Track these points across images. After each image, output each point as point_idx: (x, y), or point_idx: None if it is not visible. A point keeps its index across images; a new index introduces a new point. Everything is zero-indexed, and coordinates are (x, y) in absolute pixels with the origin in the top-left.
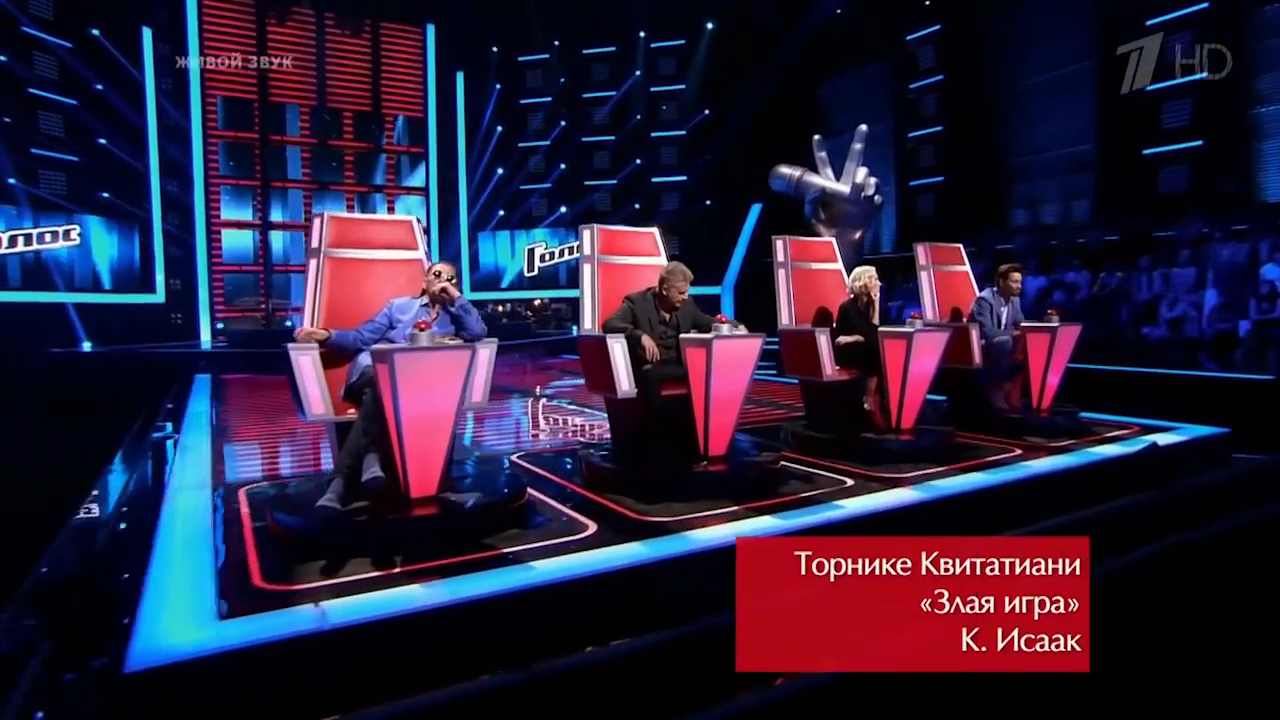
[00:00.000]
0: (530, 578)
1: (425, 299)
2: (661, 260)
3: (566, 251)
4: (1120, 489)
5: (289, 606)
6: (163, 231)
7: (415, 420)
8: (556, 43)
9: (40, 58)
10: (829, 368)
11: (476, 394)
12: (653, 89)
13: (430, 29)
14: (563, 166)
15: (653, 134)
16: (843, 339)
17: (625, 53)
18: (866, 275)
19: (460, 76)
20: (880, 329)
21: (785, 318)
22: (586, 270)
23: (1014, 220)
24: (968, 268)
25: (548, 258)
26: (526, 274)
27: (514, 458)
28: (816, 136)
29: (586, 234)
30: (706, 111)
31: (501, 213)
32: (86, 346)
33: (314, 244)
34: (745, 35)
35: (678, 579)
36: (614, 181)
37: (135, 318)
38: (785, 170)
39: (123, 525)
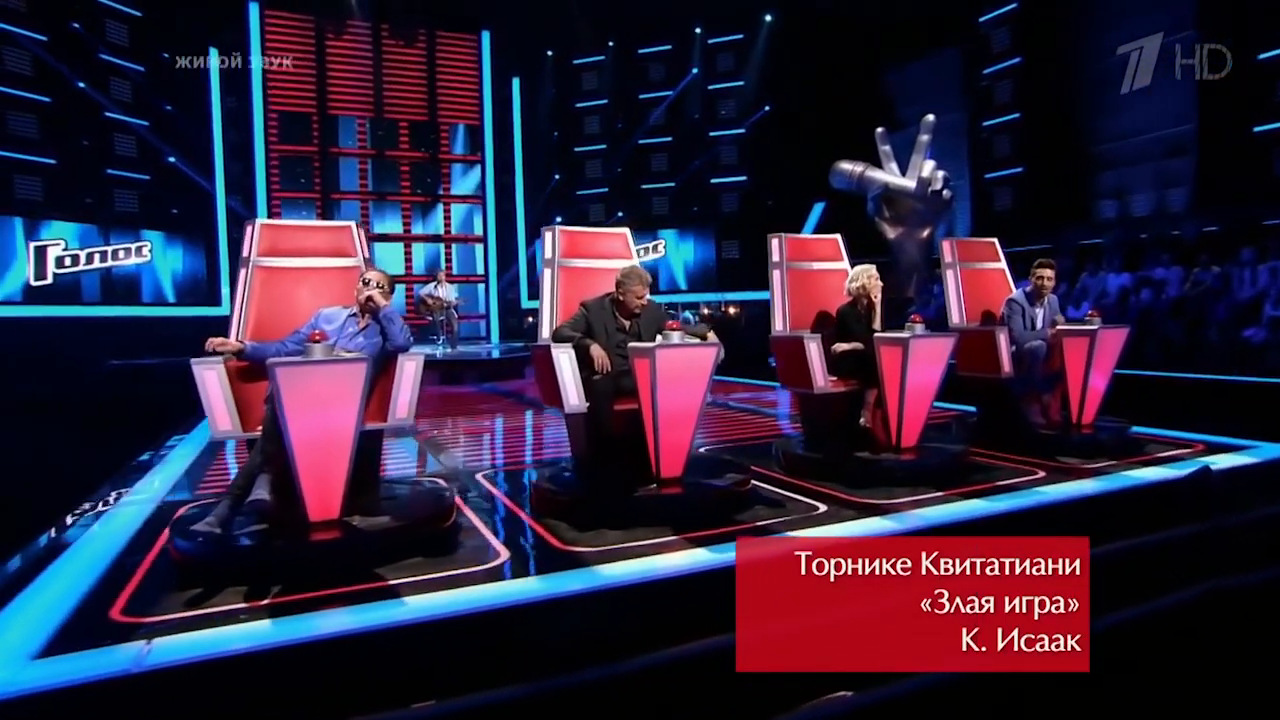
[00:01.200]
0: (391, 615)
1: (355, 308)
2: (633, 262)
3: None
4: (1153, 522)
5: (124, 642)
6: (227, 246)
7: (308, 439)
8: (611, 44)
9: (116, 82)
10: (820, 378)
11: (401, 411)
12: (710, 87)
13: (485, 36)
14: (619, 170)
15: (711, 133)
16: (839, 346)
17: (681, 50)
18: (866, 275)
19: (516, 82)
20: (876, 335)
21: (779, 323)
22: (547, 275)
23: (1100, 212)
24: (1003, 265)
25: None
26: None
27: (479, 476)
28: (879, 129)
29: (548, 235)
30: (766, 108)
31: (559, 219)
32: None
33: (244, 253)
34: (806, 26)
35: (555, 621)
36: (672, 184)
37: (202, 330)
38: (846, 166)
39: (42, 540)
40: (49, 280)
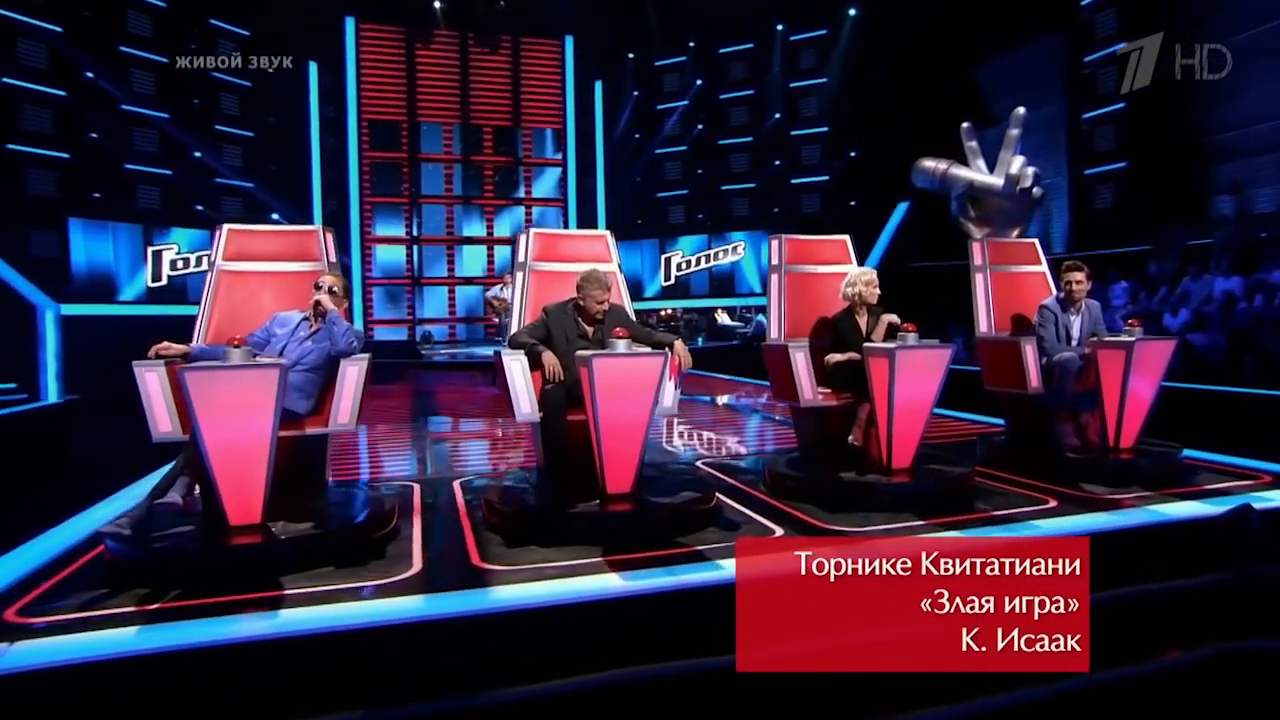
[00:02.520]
0: (257, 629)
1: (309, 312)
2: (611, 266)
3: (704, 259)
4: (1170, 566)
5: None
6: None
7: (223, 443)
8: (692, 44)
9: (225, 97)
10: (808, 390)
11: (342, 416)
12: (792, 85)
13: (569, 40)
14: (700, 171)
15: (792, 132)
16: (833, 357)
17: (762, 49)
18: (863, 280)
19: (599, 86)
20: (867, 345)
21: (774, 330)
22: (518, 278)
23: (1214, 209)
24: (1044, 268)
25: (684, 266)
26: (664, 283)
27: (457, 483)
28: (965, 125)
29: (522, 239)
30: (850, 105)
31: (640, 221)
32: None
33: (212, 257)
34: (892, 19)
35: (410, 645)
36: (752, 185)
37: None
38: (928, 164)
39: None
40: (164, 282)
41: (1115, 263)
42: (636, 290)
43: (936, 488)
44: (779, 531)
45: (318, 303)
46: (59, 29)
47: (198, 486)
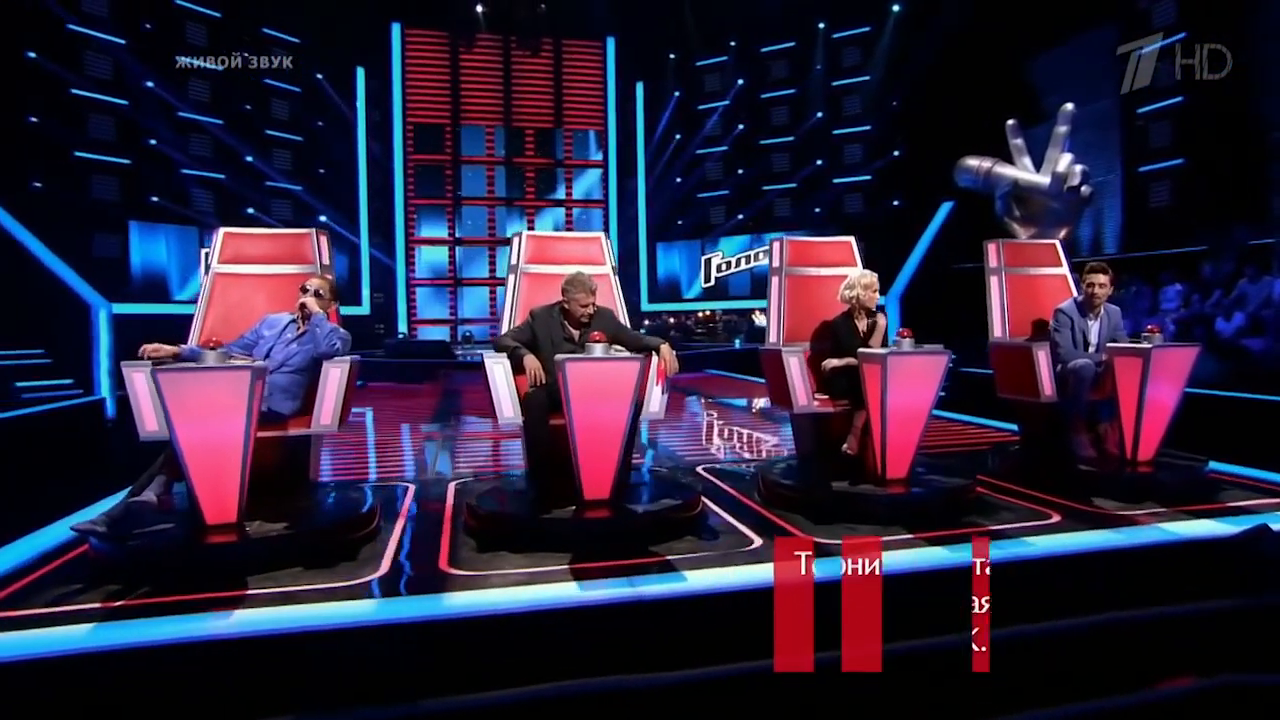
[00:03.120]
0: (207, 629)
1: (297, 314)
2: (605, 269)
3: (744, 260)
4: (1169, 590)
5: None
6: (369, 249)
7: (197, 444)
8: (733, 43)
9: (276, 104)
10: (802, 396)
11: (325, 417)
12: (834, 83)
13: (610, 42)
14: (740, 171)
15: (834, 132)
16: (830, 362)
17: (804, 47)
18: (861, 284)
19: (640, 87)
20: (861, 350)
21: (773, 334)
22: (510, 280)
23: (1278, 207)
24: (1064, 270)
25: (724, 267)
26: (704, 284)
27: (452, 484)
28: (1010, 122)
29: (516, 240)
30: (894, 103)
31: (680, 222)
32: None
33: (209, 260)
34: (938, 13)
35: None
36: (794, 185)
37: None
38: (972, 162)
39: None
40: None
41: (1170, 264)
42: (675, 292)
43: (932, 500)
44: (757, 543)
45: (303, 305)
46: (122, 41)
47: (176, 485)
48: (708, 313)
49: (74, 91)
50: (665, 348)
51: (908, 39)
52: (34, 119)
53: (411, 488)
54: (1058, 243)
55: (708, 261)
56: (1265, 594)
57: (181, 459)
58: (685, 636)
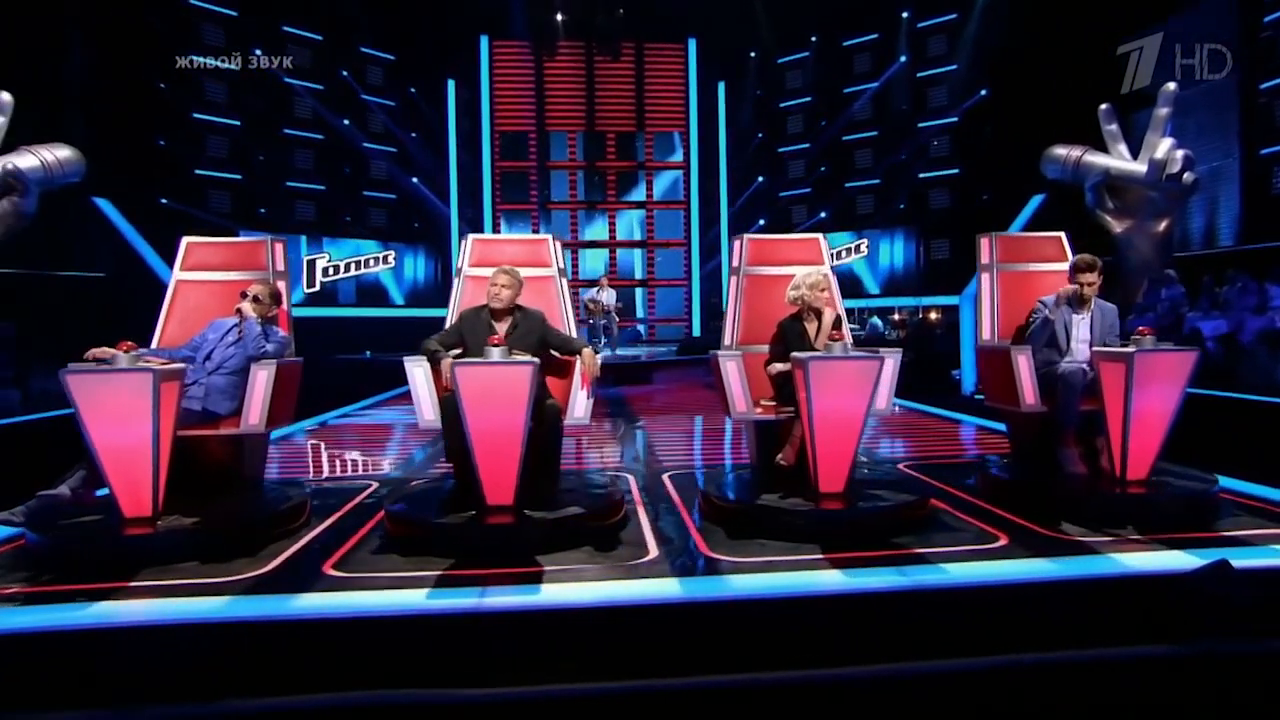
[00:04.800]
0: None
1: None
2: (550, 271)
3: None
4: (1115, 630)
5: None
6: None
7: (107, 442)
8: (814, 39)
9: (372, 117)
10: (740, 402)
11: (252, 418)
12: (919, 74)
13: (691, 43)
14: (823, 169)
15: (919, 124)
16: (774, 367)
17: (888, 38)
18: (807, 283)
19: (721, 87)
20: (793, 355)
21: (727, 336)
22: (455, 285)
23: None
24: (1067, 267)
25: None
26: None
27: (414, 483)
28: (1104, 106)
29: (464, 244)
30: (983, 92)
31: (762, 221)
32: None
33: (173, 269)
34: None
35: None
36: (877, 180)
37: (426, 330)
38: (1059, 151)
39: None
40: (317, 288)
41: None
42: None
43: (865, 517)
44: (654, 554)
45: (238, 310)
46: (235, 67)
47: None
48: None
49: (195, 115)
50: (586, 351)
51: (997, 23)
52: (162, 142)
53: (373, 486)
54: (1063, 236)
55: None
56: (1212, 640)
57: (94, 455)
58: (534, 649)
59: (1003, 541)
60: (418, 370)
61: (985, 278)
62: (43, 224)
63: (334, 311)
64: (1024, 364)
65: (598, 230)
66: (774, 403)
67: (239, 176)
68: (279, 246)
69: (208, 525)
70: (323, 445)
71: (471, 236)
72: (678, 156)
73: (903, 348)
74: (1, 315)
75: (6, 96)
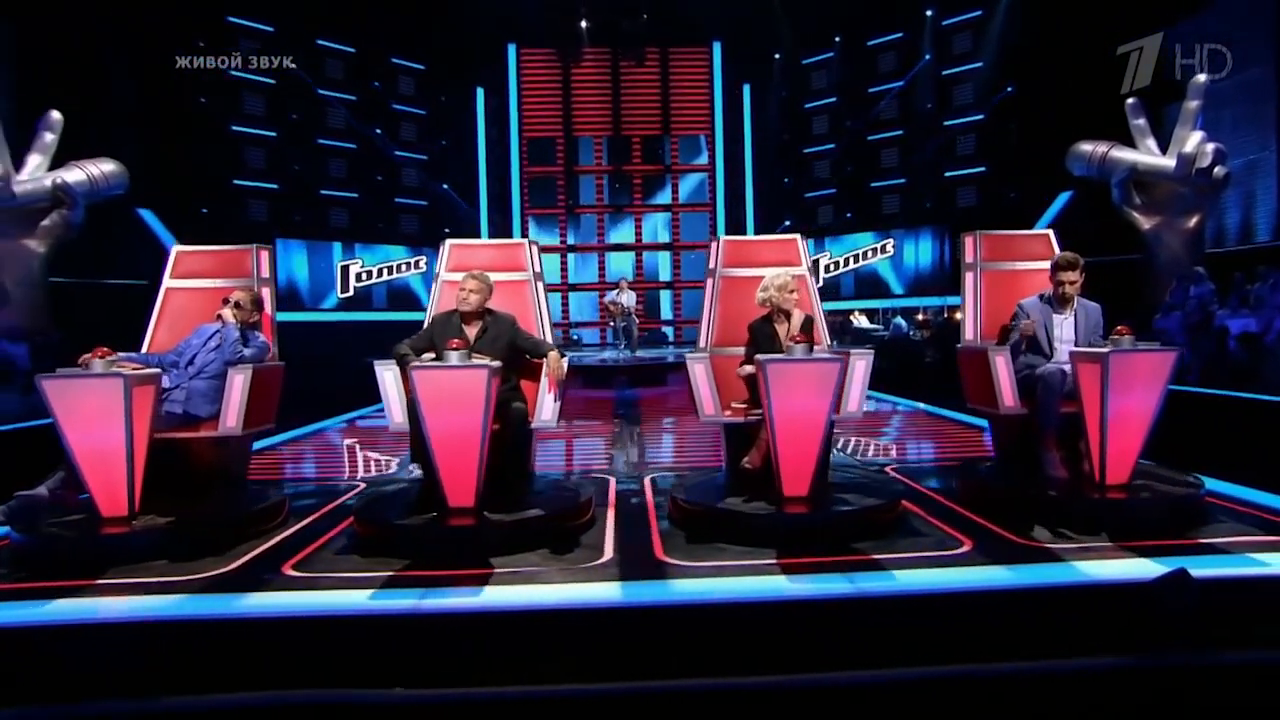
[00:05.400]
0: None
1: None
2: (525, 275)
3: (852, 260)
4: (1066, 640)
5: None
6: None
7: (82, 444)
8: (838, 39)
9: (405, 126)
10: (708, 404)
11: (229, 420)
12: (944, 72)
13: (716, 46)
14: (849, 169)
15: (945, 123)
16: (744, 369)
17: (913, 37)
18: (775, 284)
19: (747, 89)
20: (757, 356)
21: (702, 339)
22: (435, 290)
23: None
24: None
25: (832, 268)
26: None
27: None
28: (1130, 100)
29: (443, 249)
30: (1009, 89)
31: (788, 222)
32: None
33: (162, 277)
34: None
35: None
36: (903, 180)
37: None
38: (1085, 147)
39: None
40: (351, 293)
41: None
42: None
43: (827, 522)
44: (608, 556)
45: (218, 316)
46: (272, 81)
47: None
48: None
49: (234, 128)
50: (552, 355)
51: (1023, 19)
52: (201, 154)
53: (360, 487)
54: (1050, 233)
55: (816, 262)
56: (1156, 652)
57: (71, 457)
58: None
59: (966, 548)
60: (387, 374)
61: (969, 277)
62: (90, 234)
63: (367, 316)
64: (1002, 365)
65: (624, 233)
66: (744, 405)
67: (275, 186)
68: (264, 254)
69: (179, 525)
70: (356, 444)
71: (449, 242)
72: (703, 159)
73: (926, 346)
74: (52, 322)
75: (56, 115)
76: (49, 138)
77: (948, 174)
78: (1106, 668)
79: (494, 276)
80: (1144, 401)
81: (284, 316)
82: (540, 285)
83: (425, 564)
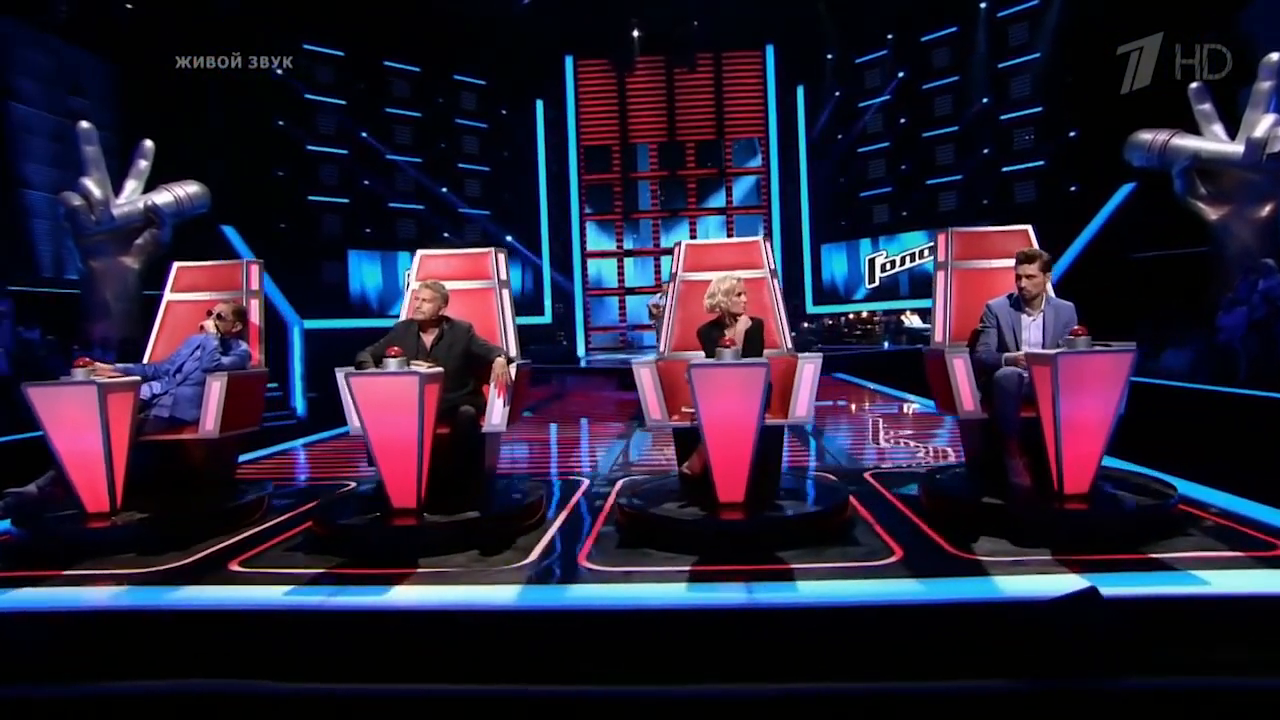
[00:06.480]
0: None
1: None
2: (490, 283)
3: (908, 259)
4: (959, 661)
5: None
6: (550, 264)
7: (64, 445)
8: (890, 36)
9: (467, 139)
10: (655, 409)
11: (208, 423)
12: (1000, 65)
13: (770, 49)
14: (904, 167)
15: (1002, 117)
16: None
17: (967, 30)
18: (722, 289)
19: (800, 90)
20: (693, 363)
21: (661, 343)
22: (406, 297)
23: None
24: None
25: (888, 267)
26: (869, 285)
27: None
28: (1194, 85)
29: (415, 259)
30: (1069, 79)
31: (844, 223)
32: None
33: (163, 291)
34: None
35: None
36: (959, 177)
37: (528, 338)
38: (1145, 136)
39: None
40: None
41: None
42: (843, 293)
43: (759, 529)
44: (529, 559)
45: (201, 327)
46: (343, 102)
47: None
48: (865, 314)
49: (309, 148)
50: (498, 361)
51: (1083, 5)
52: (280, 172)
53: (350, 486)
54: (1029, 229)
55: (871, 261)
56: (1051, 676)
57: (56, 457)
58: (364, 650)
59: (893, 558)
60: (346, 380)
61: (940, 276)
62: (179, 251)
63: None
64: (960, 367)
65: (679, 237)
66: (692, 410)
67: (347, 200)
68: (254, 268)
69: (150, 522)
70: None
71: (420, 252)
72: (756, 162)
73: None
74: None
75: (149, 144)
76: (143, 164)
77: (1005, 169)
78: (996, 690)
79: (461, 285)
80: (1100, 406)
81: (357, 323)
82: (506, 293)
83: (358, 563)
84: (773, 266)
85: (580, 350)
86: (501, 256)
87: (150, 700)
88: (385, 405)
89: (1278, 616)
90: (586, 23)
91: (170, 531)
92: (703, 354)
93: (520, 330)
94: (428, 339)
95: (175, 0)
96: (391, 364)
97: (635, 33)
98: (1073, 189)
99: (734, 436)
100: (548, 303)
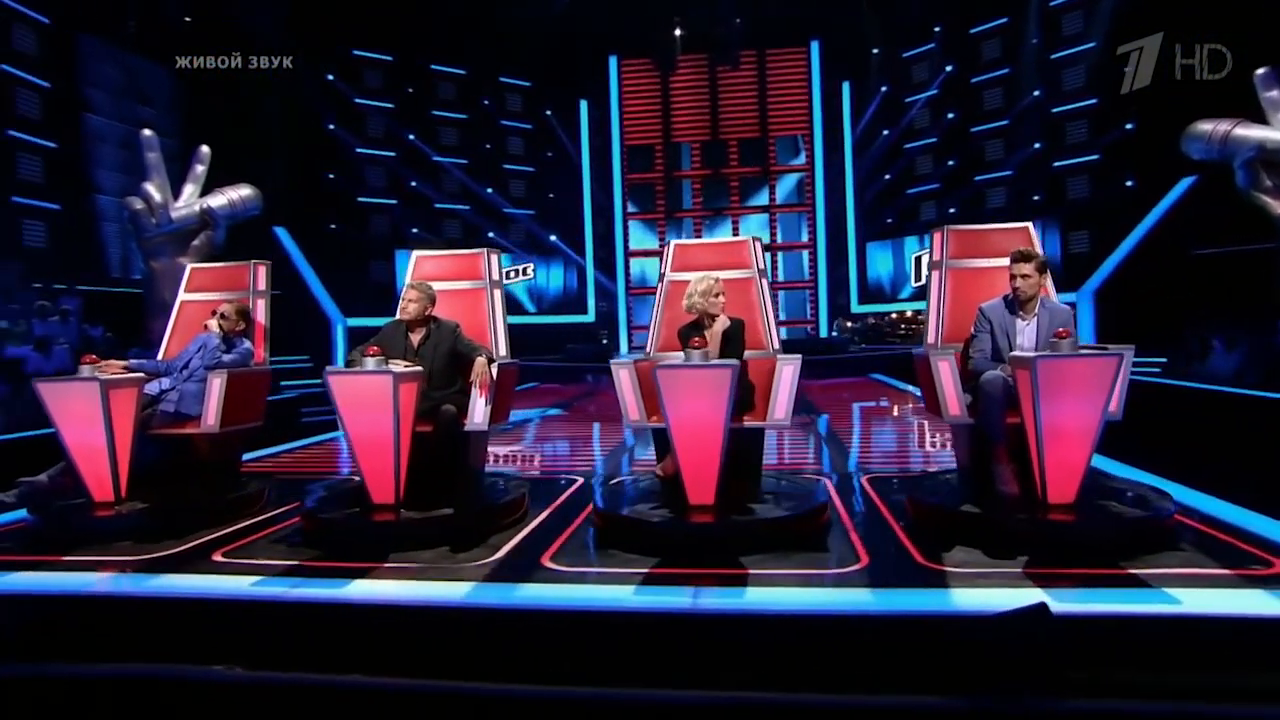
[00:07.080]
0: None
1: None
2: (482, 284)
3: None
4: (898, 675)
5: None
6: (593, 263)
7: (73, 439)
8: (938, 29)
9: (512, 140)
10: (632, 410)
11: (209, 418)
12: (1052, 56)
13: (814, 45)
14: (951, 163)
15: (1053, 110)
16: None
17: (1018, 21)
18: (699, 290)
19: (846, 86)
20: (659, 364)
21: (650, 344)
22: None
23: None
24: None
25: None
26: (915, 283)
27: None
28: (1260, 71)
29: (411, 259)
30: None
31: (890, 220)
32: None
33: (178, 293)
34: None
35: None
36: (1009, 173)
37: (571, 336)
38: (1204, 127)
39: None
40: None
41: None
42: (888, 292)
43: (724, 534)
44: (493, 559)
45: (205, 325)
46: (392, 105)
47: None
48: (910, 313)
49: (358, 150)
50: (479, 360)
51: None
52: (330, 175)
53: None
54: (1030, 226)
55: (918, 259)
56: (989, 695)
57: (65, 449)
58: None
59: (858, 566)
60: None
61: (935, 276)
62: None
63: None
64: (945, 370)
65: (722, 235)
66: None
67: (394, 201)
68: (261, 269)
69: (150, 511)
70: None
71: (415, 253)
72: (800, 160)
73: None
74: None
75: (205, 149)
76: (199, 169)
77: (1057, 164)
78: (931, 708)
79: (453, 285)
80: (1084, 412)
81: (369, 321)
82: (498, 293)
83: (332, 556)
84: (761, 266)
85: (623, 348)
86: (494, 258)
87: (105, 683)
88: (362, 403)
89: (1247, 640)
90: (630, 23)
91: (169, 521)
92: (683, 355)
93: (562, 329)
94: (415, 338)
95: (226, 10)
96: (369, 363)
97: (678, 31)
98: (1129, 184)
99: (702, 439)
100: (590, 301)
